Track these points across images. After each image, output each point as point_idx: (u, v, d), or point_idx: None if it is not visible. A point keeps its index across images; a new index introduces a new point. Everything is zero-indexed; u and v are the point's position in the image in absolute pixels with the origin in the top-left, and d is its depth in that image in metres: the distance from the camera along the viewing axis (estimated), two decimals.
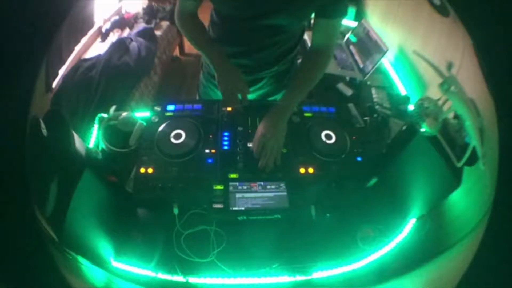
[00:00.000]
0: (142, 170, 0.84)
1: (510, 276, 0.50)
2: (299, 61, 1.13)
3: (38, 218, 0.56)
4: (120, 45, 2.16)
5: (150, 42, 2.33)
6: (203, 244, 0.80)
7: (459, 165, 0.67)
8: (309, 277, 0.77)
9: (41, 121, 0.62)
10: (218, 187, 0.82)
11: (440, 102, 0.74)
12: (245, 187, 0.83)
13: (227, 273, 0.77)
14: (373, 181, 0.88)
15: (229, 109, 1.00)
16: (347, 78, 1.70)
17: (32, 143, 0.57)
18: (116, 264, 0.77)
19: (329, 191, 0.85)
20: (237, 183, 0.83)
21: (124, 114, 1.02)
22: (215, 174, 0.85)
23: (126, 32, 2.44)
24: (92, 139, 1.00)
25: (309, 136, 0.94)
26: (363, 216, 0.87)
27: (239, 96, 0.92)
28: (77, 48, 2.07)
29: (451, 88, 0.69)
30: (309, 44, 1.83)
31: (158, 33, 2.53)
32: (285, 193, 0.82)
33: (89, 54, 2.15)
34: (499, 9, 0.55)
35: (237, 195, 0.81)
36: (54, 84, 1.79)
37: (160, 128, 0.93)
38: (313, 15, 0.90)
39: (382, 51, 1.62)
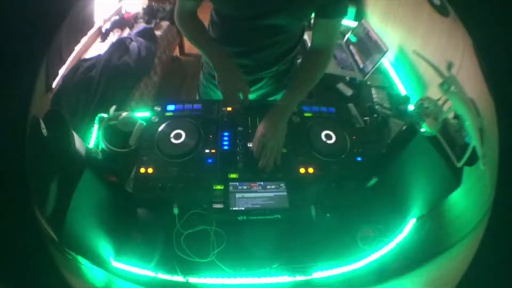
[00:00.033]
0: (142, 170, 0.84)
1: (510, 276, 0.50)
2: (299, 61, 1.13)
3: (38, 218, 0.56)
4: (120, 45, 2.16)
5: (150, 42, 2.33)
6: (203, 244, 0.80)
7: (459, 165, 0.67)
8: (309, 277, 0.77)
9: (41, 121, 0.62)
10: (218, 187, 0.82)
11: (440, 102, 0.74)
12: (245, 187, 0.83)
13: (227, 273, 0.77)
14: (373, 181, 0.88)
15: (229, 109, 1.00)
16: (347, 78, 1.70)
17: (32, 143, 0.57)
18: (116, 264, 0.77)
19: (329, 191, 0.85)
20: (237, 183, 0.83)
21: (124, 114, 1.02)
22: (215, 174, 0.85)
23: (126, 32, 2.44)
24: (92, 139, 1.00)
25: (309, 136, 0.94)
26: (363, 216, 0.87)
27: (240, 95, 0.92)
28: (77, 48, 2.07)
29: (451, 88, 0.69)
30: (309, 44, 1.83)
31: (158, 33, 2.53)
32: (285, 193, 0.82)
33: (89, 54, 2.15)
34: (499, 9, 0.55)
35: (237, 195, 0.81)
36: (54, 84, 1.79)
37: (160, 128, 0.93)
38: (313, 15, 0.90)
39: (382, 51, 1.62)
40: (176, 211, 0.82)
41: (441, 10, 1.35)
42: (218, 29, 0.99)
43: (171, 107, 1.00)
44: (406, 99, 1.41)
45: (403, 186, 0.89)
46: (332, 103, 1.06)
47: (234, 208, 0.79)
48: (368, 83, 1.64)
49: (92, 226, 0.77)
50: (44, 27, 0.54)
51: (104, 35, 2.36)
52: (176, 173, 0.84)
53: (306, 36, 1.75)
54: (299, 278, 0.77)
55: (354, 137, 0.96)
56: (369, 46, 1.73)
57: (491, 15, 0.56)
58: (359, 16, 2.13)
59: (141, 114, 1.07)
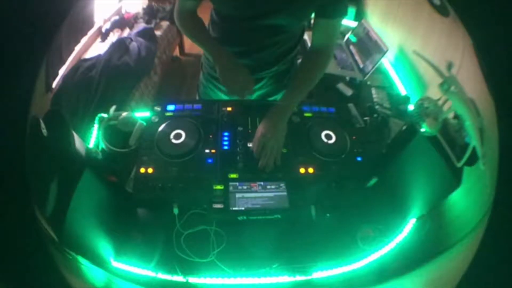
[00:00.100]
0: (142, 170, 0.84)
1: (510, 276, 0.50)
2: (299, 61, 1.13)
3: (38, 218, 0.56)
4: (120, 45, 2.16)
5: (150, 42, 2.33)
6: (203, 244, 0.80)
7: (459, 165, 0.67)
8: (309, 277, 0.77)
9: (41, 121, 0.62)
10: (218, 187, 0.82)
11: (440, 102, 0.74)
12: (245, 187, 0.83)
13: (227, 273, 0.77)
14: (373, 181, 0.88)
15: (229, 109, 1.00)
16: (347, 78, 1.70)
17: (32, 143, 0.57)
18: (116, 264, 0.77)
19: (329, 191, 0.85)
20: (237, 183, 0.83)
21: (124, 114, 1.02)
22: (215, 174, 0.85)
23: (126, 32, 2.44)
24: (92, 139, 1.00)
25: (309, 136, 0.94)
26: (363, 216, 0.87)
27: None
28: (77, 48, 2.07)
29: (451, 88, 0.69)
30: (309, 44, 1.83)
31: (158, 33, 2.53)
32: (285, 193, 0.82)
33: (89, 54, 2.15)
34: (499, 9, 0.55)
35: (237, 195, 0.81)
36: (54, 84, 1.79)
37: (160, 128, 0.93)
38: (313, 15, 0.90)
39: (382, 51, 1.62)
40: (176, 211, 0.82)
41: (441, 10, 1.35)
42: (218, 29, 0.99)
43: (171, 107, 1.00)
44: (406, 99, 1.41)
45: (403, 186, 0.89)
46: (332, 103, 1.06)
47: (234, 208, 0.79)
48: (368, 83, 1.64)
49: (92, 226, 0.77)
50: (44, 27, 0.54)
51: (104, 35, 2.36)
52: (176, 173, 0.84)
53: (306, 36, 1.75)
54: (299, 278, 0.77)
55: (354, 137, 0.96)
56: (369, 46, 1.73)
57: (491, 15, 0.56)
58: (359, 16, 2.13)
59: (141, 114, 1.07)
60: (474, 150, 0.65)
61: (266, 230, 0.83)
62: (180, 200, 0.82)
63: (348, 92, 1.61)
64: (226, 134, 0.94)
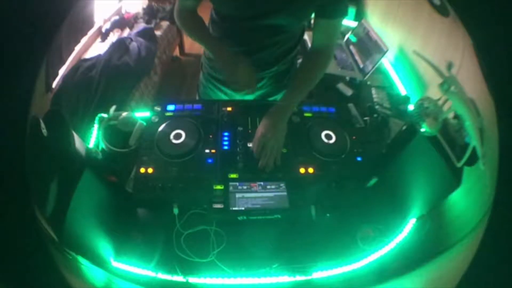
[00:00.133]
0: (142, 170, 0.84)
1: (510, 276, 0.50)
2: (299, 61, 1.13)
3: (38, 218, 0.56)
4: (120, 45, 2.16)
5: (150, 42, 2.33)
6: (203, 244, 0.80)
7: (459, 165, 0.67)
8: (309, 277, 0.77)
9: (41, 121, 0.62)
10: (218, 187, 0.82)
11: (440, 102, 0.74)
12: (245, 187, 0.83)
13: (227, 273, 0.77)
14: (373, 181, 0.88)
15: (229, 109, 1.00)
16: (347, 78, 1.70)
17: (32, 143, 0.57)
18: (116, 264, 0.77)
19: (329, 191, 0.85)
20: (237, 183, 0.83)
21: (124, 114, 1.02)
22: (215, 174, 0.85)
23: (126, 32, 2.44)
24: (92, 139, 1.00)
25: (309, 136, 0.94)
26: (363, 216, 0.87)
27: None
28: (77, 48, 2.07)
29: (451, 88, 0.69)
30: (309, 44, 1.84)
31: (158, 33, 2.53)
32: (285, 193, 0.82)
33: (89, 54, 2.15)
34: (499, 9, 0.55)
35: (237, 195, 0.81)
36: (54, 84, 1.79)
37: (160, 128, 0.93)
38: (313, 15, 0.90)
39: (382, 51, 1.62)
40: (176, 211, 0.82)
41: (441, 10, 1.35)
42: (218, 29, 0.99)
43: (171, 107, 1.00)
44: (406, 99, 1.41)
45: (403, 186, 0.89)
46: (332, 103, 1.06)
47: (234, 208, 0.79)
48: (368, 83, 1.64)
49: (92, 226, 0.77)
50: (44, 27, 0.54)
51: (104, 35, 2.36)
52: (176, 173, 0.84)
53: (306, 36, 1.75)
54: (299, 278, 0.77)
55: (354, 137, 0.96)
56: (369, 46, 1.73)
57: (491, 15, 0.56)
58: (359, 16, 2.13)
59: (141, 114, 1.07)
60: (474, 150, 0.65)
61: (266, 230, 0.83)
62: (180, 200, 0.82)
63: (348, 92, 1.61)
64: (226, 134, 0.94)
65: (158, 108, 0.99)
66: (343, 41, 1.97)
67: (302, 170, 0.87)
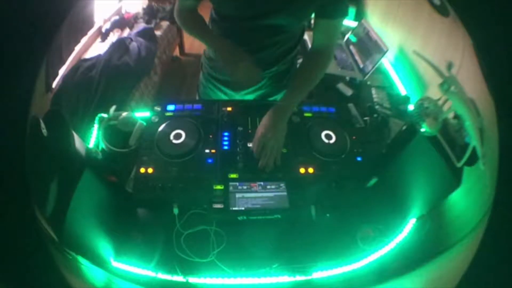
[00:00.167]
0: (142, 170, 0.84)
1: (510, 276, 0.50)
2: (299, 61, 1.13)
3: (38, 218, 0.56)
4: (120, 45, 2.16)
5: (150, 42, 2.33)
6: (203, 244, 0.80)
7: (459, 165, 0.67)
8: (309, 277, 0.77)
9: (41, 121, 0.62)
10: (218, 187, 0.82)
11: (440, 102, 0.74)
12: (245, 187, 0.83)
13: (227, 273, 0.77)
14: (373, 181, 0.88)
15: (229, 109, 1.00)
16: (347, 78, 1.70)
17: (32, 143, 0.57)
18: (116, 264, 0.77)
19: (329, 191, 0.85)
20: (237, 183, 0.83)
21: (124, 114, 1.02)
22: (215, 174, 0.85)
23: (126, 32, 2.44)
24: (92, 139, 1.00)
25: (309, 136, 0.94)
26: (363, 216, 0.87)
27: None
28: (77, 48, 2.07)
29: (451, 88, 0.69)
30: (309, 44, 1.84)
31: (158, 33, 2.53)
32: (285, 193, 0.82)
33: (89, 54, 2.15)
34: (499, 9, 0.55)
35: (237, 195, 0.81)
36: (54, 84, 1.79)
37: (160, 128, 0.93)
38: (313, 15, 0.90)
39: (382, 51, 1.62)
40: (176, 211, 0.82)
41: (441, 10, 1.35)
42: (218, 29, 0.99)
43: (171, 107, 1.00)
44: (406, 99, 1.41)
45: (403, 186, 0.89)
46: (332, 103, 1.06)
47: (234, 208, 0.79)
48: (368, 83, 1.64)
49: (92, 226, 0.77)
50: (44, 27, 0.54)
51: (104, 35, 2.36)
52: (176, 173, 0.84)
53: (306, 36, 1.75)
54: (299, 278, 0.77)
55: (354, 137, 0.96)
56: (369, 46, 1.73)
57: (491, 15, 0.56)
58: (359, 16, 2.13)
59: (141, 114, 1.07)
60: (474, 150, 0.65)
61: (266, 230, 0.83)
62: (180, 200, 0.82)
63: (348, 92, 1.61)
64: (226, 134, 0.94)
65: (158, 108, 0.99)
66: (343, 41, 1.97)
67: (302, 170, 0.87)
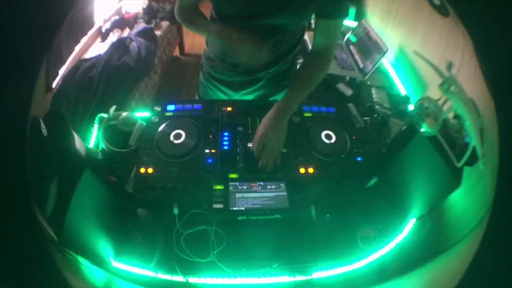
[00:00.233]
0: (142, 170, 0.84)
1: (510, 276, 0.50)
2: (299, 61, 1.13)
3: (38, 218, 0.56)
4: (120, 45, 2.16)
5: (150, 42, 2.33)
6: (203, 244, 0.80)
7: (459, 165, 0.67)
8: (309, 277, 0.77)
9: (41, 121, 0.62)
10: (218, 187, 0.82)
11: (440, 102, 0.74)
12: (245, 187, 0.83)
13: (227, 273, 0.77)
14: (373, 181, 0.88)
15: (229, 109, 1.00)
16: (347, 78, 1.70)
17: (32, 143, 0.57)
18: (116, 264, 0.77)
19: (329, 191, 0.85)
20: (237, 183, 0.83)
21: (124, 114, 1.02)
22: (215, 174, 0.85)
23: (126, 32, 2.44)
24: (92, 139, 1.00)
25: (309, 136, 0.94)
26: (363, 216, 0.87)
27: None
28: (77, 48, 2.07)
29: (451, 88, 0.69)
30: (309, 44, 1.84)
31: (158, 33, 2.53)
32: (285, 193, 0.82)
33: (89, 54, 2.15)
34: (499, 9, 0.55)
35: (237, 195, 0.81)
36: (54, 84, 1.79)
37: (160, 128, 0.93)
38: (314, 16, 0.90)
39: (382, 51, 1.62)
40: (176, 211, 0.82)
41: (441, 10, 1.35)
42: None
43: (171, 107, 1.00)
44: (406, 99, 1.41)
45: (403, 186, 0.89)
46: (332, 103, 1.06)
47: (234, 208, 0.79)
48: (368, 83, 1.64)
49: (92, 226, 0.77)
50: (44, 27, 0.54)
51: (104, 35, 2.36)
52: (176, 173, 0.84)
53: (306, 36, 1.75)
54: (299, 278, 0.77)
55: (354, 137, 0.96)
56: (369, 46, 1.73)
57: (491, 15, 0.56)
58: (359, 16, 2.13)
59: (141, 114, 1.07)
60: (474, 150, 0.65)
61: (266, 230, 0.83)
62: (180, 200, 0.82)
63: (348, 92, 1.61)
64: (226, 134, 0.94)
65: (158, 108, 0.99)
66: (343, 41, 1.97)
67: (302, 170, 0.87)
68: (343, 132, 0.96)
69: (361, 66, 1.75)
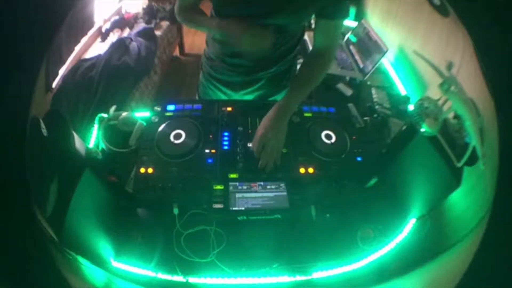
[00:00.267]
0: (142, 170, 0.84)
1: (510, 276, 0.50)
2: (299, 61, 1.13)
3: (38, 218, 0.56)
4: (120, 45, 2.16)
5: (150, 42, 2.33)
6: (203, 244, 0.80)
7: (459, 165, 0.67)
8: (309, 277, 0.77)
9: (41, 121, 0.62)
10: (218, 187, 0.82)
11: (440, 102, 0.74)
12: (245, 187, 0.83)
13: (227, 273, 0.77)
14: (373, 181, 0.88)
15: (229, 109, 1.00)
16: (347, 78, 1.70)
17: (32, 143, 0.57)
18: (116, 264, 0.77)
19: (329, 191, 0.85)
20: (237, 183, 0.83)
21: (124, 114, 1.02)
22: (215, 174, 0.85)
23: (126, 32, 2.44)
24: (92, 139, 1.00)
25: (309, 136, 0.94)
26: (363, 216, 0.87)
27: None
28: (77, 48, 2.07)
29: (451, 88, 0.69)
30: (309, 44, 1.84)
31: (158, 33, 2.53)
32: (285, 193, 0.82)
33: (89, 54, 2.15)
34: (499, 9, 0.55)
35: (237, 195, 0.81)
36: (54, 84, 1.79)
37: (160, 128, 0.93)
38: (314, 16, 0.90)
39: (382, 51, 1.62)
40: (176, 211, 0.82)
41: (441, 10, 1.35)
42: None
43: (171, 107, 1.00)
44: (406, 99, 1.41)
45: (403, 186, 0.89)
46: (332, 103, 1.06)
47: (234, 208, 0.79)
48: (368, 83, 1.64)
49: (92, 226, 0.77)
50: (44, 27, 0.54)
51: (104, 35, 2.35)
52: (176, 173, 0.84)
53: (306, 36, 1.75)
54: (299, 278, 0.77)
55: (354, 137, 0.96)
56: (369, 46, 1.73)
57: (491, 15, 0.56)
58: (359, 16, 2.13)
59: (141, 114, 1.07)
60: (474, 150, 0.65)
61: (266, 230, 0.83)
62: (180, 200, 0.82)
63: (348, 92, 1.61)
64: (226, 134, 0.94)
65: (158, 108, 0.99)
66: (343, 41, 1.97)
67: (302, 170, 0.87)
68: (343, 132, 0.96)
69: (361, 66, 1.75)
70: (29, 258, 0.52)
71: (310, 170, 0.87)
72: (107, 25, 2.41)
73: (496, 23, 0.56)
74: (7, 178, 0.50)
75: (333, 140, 0.94)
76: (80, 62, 2.01)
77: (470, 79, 0.73)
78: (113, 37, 2.37)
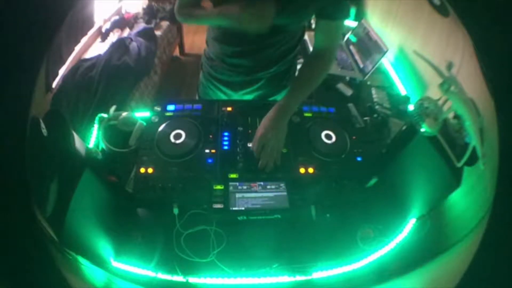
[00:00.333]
0: (142, 170, 0.84)
1: (510, 276, 0.50)
2: (299, 61, 1.13)
3: (38, 218, 0.56)
4: (120, 45, 2.16)
5: (150, 42, 2.33)
6: (203, 244, 0.80)
7: (459, 165, 0.67)
8: (309, 277, 0.77)
9: (41, 121, 0.62)
10: (218, 187, 0.82)
11: (440, 102, 0.74)
12: (245, 187, 0.83)
13: (227, 273, 0.77)
14: (373, 181, 0.88)
15: (229, 109, 1.01)
16: (347, 78, 1.70)
17: (32, 143, 0.57)
18: (116, 264, 0.77)
19: (329, 191, 0.85)
20: (237, 183, 0.83)
21: (124, 114, 1.02)
22: (215, 174, 0.85)
23: (126, 32, 2.44)
24: (92, 139, 1.00)
25: (309, 136, 0.94)
26: (363, 216, 0.87)
27: None
28: (77, 48, 2.07)
29: (451, 88, 0.69)
30: (309, 44, 1.84)
31: (158, 33, 2.53)
32: (285, 193, 0.82)
33: (89, 54, 2.15)
34: (499, 9, 0.55)
35: (237, 195, 0.81)
36: (54, 84, 1.79)
37: (160, 128, 0.93)
38: (314, 16, 0.90)
39: (382, 51, 1.62)
40: (176, 211, 0.82)
41: (441, 10, 1.35)
42: (217, 29, 0.99)
43: (171, 107, 1.00)
44: (406, 99, 1.41)
45: (403, 186, 0.89)
46: (332, 103, 1.06)
47: (234, 208, 0.79)
48: (368, 83, 1.64)
49: (92, 226, 0.77)
50: (44, 27, 0.54)
51: (104, 35, 2.35)
52: (176, 173, 0.84)
53: (306, 36, 1.75)
54: (299, 278, 0.77)
55: (354, 137, 0.96)
56: (369, 46, 1.73)
57: (491, 15, 0.56)
58: (359, 16, 2.13)
59: (141, 114, 1.07)
60: (474, 150, 0.65)
61: (266, 230, 0.83)
62: (180, 200, 0.82)
63: (348, 92, 1.61)
64: (226, 134, 0.94)
65: (158, 108, 0.99)
66: (343, 41, 1.97)
67: (302, 170, 0.87)
68: (343, 132, 0.96)
69: (361, 66, 1.75)
70: (29, 258, 0.52)
71: (310, 170, 0.87)
72: (107, 25, 2.41)
73: (496, 23, 0.56)
74: (7, 178, 0.50)
75: (333, 140, 0.94)
76: (80, 62, 2.02)
77: (470, 79, 0.73)
78: (113, 37, 2.37)
